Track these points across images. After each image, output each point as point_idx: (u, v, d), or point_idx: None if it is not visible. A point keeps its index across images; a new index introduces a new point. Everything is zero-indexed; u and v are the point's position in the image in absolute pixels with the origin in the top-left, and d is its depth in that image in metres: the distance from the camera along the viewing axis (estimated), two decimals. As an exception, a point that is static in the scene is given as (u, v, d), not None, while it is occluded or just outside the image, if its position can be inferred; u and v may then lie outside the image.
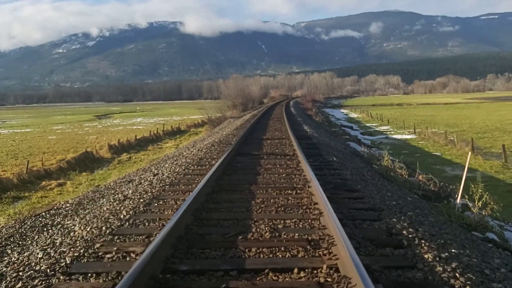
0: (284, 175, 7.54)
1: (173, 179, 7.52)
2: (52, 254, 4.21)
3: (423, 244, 4.17)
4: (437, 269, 3.60)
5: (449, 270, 3.59)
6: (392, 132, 34.81)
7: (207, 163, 9.15)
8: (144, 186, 7.37)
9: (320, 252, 3.91)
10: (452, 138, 26.95)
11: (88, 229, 4.93)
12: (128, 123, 59.37)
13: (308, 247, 4.02)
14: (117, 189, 8.38)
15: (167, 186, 6.85)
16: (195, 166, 8.82)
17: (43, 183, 17.46)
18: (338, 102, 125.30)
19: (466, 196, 8.46)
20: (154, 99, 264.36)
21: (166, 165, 9.87)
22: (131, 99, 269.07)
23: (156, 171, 9.20)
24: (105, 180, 16.81)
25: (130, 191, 7.13)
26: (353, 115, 64.81)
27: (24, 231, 6.56)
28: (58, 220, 6.85)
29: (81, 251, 4.08)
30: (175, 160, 10.27)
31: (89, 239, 4.49)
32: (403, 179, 9.44)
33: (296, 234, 4.40)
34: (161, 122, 57.60)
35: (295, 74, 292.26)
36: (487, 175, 16.54)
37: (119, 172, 19.29)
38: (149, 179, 8.26)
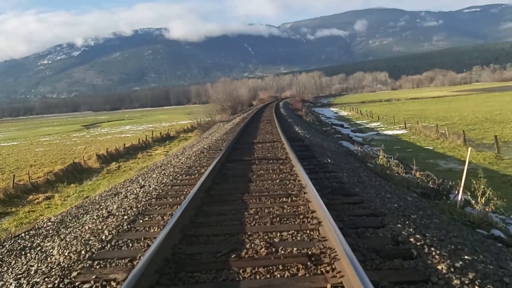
0: (277, 181, 7.13)
1: (160, 191, 7.06)
2: (24, 287, 3.77)
3: (433, 253, 3.81)
4: (454, 282, 3.24)
5: (467, 282, 3.23)
6: (383, 128, 34.65)
7: (196, 171, 8.69)
8: (130, 200, 6.92)
9: (322, 269, 3.53)
10: (443, 131, 26.86)
11: (66, 253, 4.48)
12: (116, 131, 58.58)
13: (308, 263, 3.64)
14: (102, 204, 7.93)
15: (153, 200, 6.40)
16: (184, 176, 8.34)
17: (31, 197, 16.89)
18: (327, 101, 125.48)
19: (468, 193, 8.14)
20: (142, 106, 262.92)
21: (154, 175, 9.40)
22: (119, 107, 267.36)
23: (143, 182, 8.74)
24: (94, 191, 16.29)
25: (115, 206, 6.68)
26: (343, 113, 64.73)
27: (1, 256, 6.08)
28: (38, 241, 6.39)
29: (56, 281, 3.64)
30: (163, 170, 9.84)
31: (66, 265, 4.04)
32: (400, 177, 9.14)
33: (295, 249, 4.00)
34: (150, 129, 56.93)
35: (283, 75, 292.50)
36: (480, 166, 16.33)
37: (108, 182, 18.76)
38: (135, 191, 7.79)
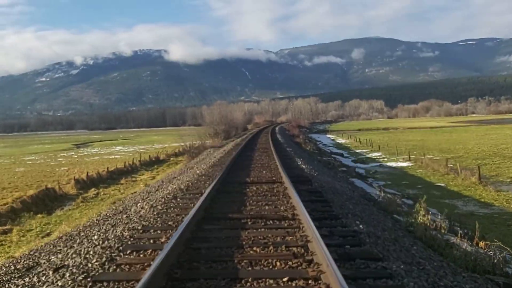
0: (286, 277, 3.94)
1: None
2: None
3: None
4: None
5: None
6: (385, 159, 32.73)
7: (150, 243, 5.38)
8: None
9: None
10: (452, 166, 24.99)
11: None
12: (106, 152, 56.33)
13: None
14: (46, 262, 5.77)
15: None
16: (127, 256, 4.83)
17: (-16, 230, 14.60)
18: (324, 127, 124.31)
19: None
20: (137, 126, 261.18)
21: (95, 236, 6.43)
22: (115, 126, 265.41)
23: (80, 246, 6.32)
24: (59, 225, 14.07)
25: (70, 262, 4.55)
26: (341, 140, 63.04)
27: None
28: None
29: None
30: (106, 233, 6.39)
31: None
32: (462, 251, 6.05)
33: None
34: (141, 150, 54.75)
35: (279, 99, 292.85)
36: (506, 211, 14.34)
37: (80, 213, 16.55)
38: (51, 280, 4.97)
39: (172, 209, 7.35)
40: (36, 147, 79.53)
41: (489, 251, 6.44)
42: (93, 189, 22.09)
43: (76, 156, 50.59)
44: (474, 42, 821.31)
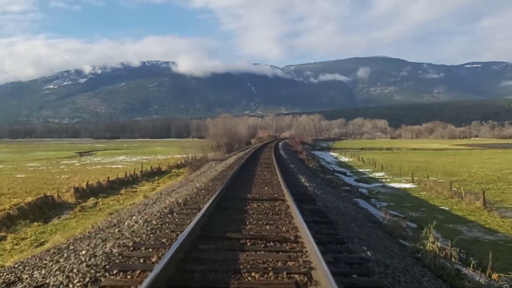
0: None
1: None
2: None
3: None
4: None
5: None
6: (388, 180, 32.40)
7: (140, 262, 5.06)
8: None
9: None
10: (456, 189, 24.65)
11: None
12: (108, 161, 56.28)
13: None
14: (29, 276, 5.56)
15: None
16: (112, 276, 4.51)
17: (-23, 237, 14.39)
18: (327, 145, 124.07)
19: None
20: (142, 136, 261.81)
21: (83, 251, 6.14)
22: (119, 136, 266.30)
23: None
24: (54, 235, 13.85)
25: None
26: (344, 158, 62.73)
27: None
28: None
29: None
30: (95, 248, 6.08)
31: None
32: (475, 283, 5.82)
33: None
34: (144, 161, 54.69)
35: (283, 115, 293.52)
36: (511, 238, 14.00)
37: (76, 222, 16.33)
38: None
39: (167, 224, 7.01)
40: (40, 154, 79.72)
41: (504, 285, 6.13)
42: (92, 199, 21.89)
43: (78, 164, 50.54)
44: (479, 66, 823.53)
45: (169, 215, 7.62)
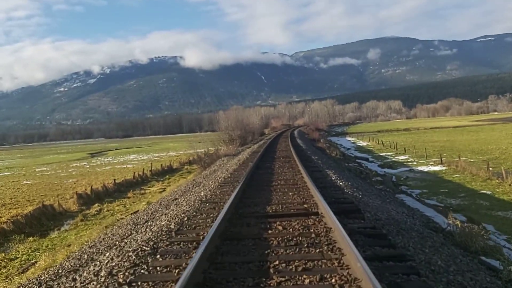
0: None
1: None
2: None
3: None
4: None
5: None
6: (414, 163, 30.10)
7: None
8: None
9: None
10: (492, 169, 22.34)
11: None
12: (119, 161, 54.94)
13: None
14: None
15: None
16: None
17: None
18: (342, 130, 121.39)
19: None
20: (154, 133, 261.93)
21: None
22: (131, 134, 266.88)
23: None
24: (48, 253, 12.15)
25: None
26: (362, 143, 60.31)
27: None
28: None
29: None
30: None
31: None
32: None
33: None
34: (155, 158, 53.23)
35: (295, 103, 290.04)
36: None
37: (76, 235, 14.63)
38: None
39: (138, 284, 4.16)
40: (51, 157, 79.06)
41: None
42: (96, 205, 20.23)
43: (88, 166, 49.27)
44: (493, 38, 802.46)
45: (149, 258, 4.92)
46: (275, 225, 6.07)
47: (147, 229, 7.18)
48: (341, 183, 10.00)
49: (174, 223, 6.64)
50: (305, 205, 7.26)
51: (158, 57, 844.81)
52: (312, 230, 5.58)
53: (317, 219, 6.22)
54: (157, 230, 6.31)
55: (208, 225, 6.28)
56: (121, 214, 17.10)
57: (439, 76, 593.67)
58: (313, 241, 5.11)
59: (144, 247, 5.33)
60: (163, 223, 7.05)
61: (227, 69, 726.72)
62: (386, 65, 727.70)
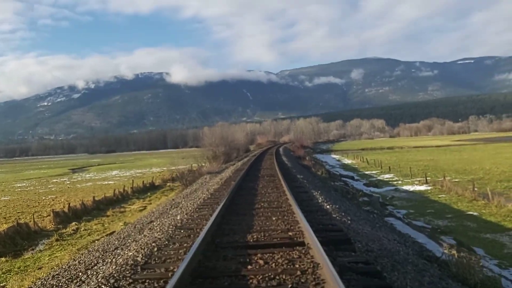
0: None
1: None
2: None
3: None
4: None
5: None
6: (400, 182, 30.07)
7: None
8: None
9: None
10: (477, 189, 22.36)
11: None
12: (100, 177, 53.72)
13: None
14: None
15: None
16: None
17: None
18: (327, 147, 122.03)
19: None
20: (138, 149, 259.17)
21: None
22: (115, 149, 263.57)
23: None
24: (19, 276, 11.42)
25: None
26: (347, 161, 60.42)
27: None
28: None
29: None
30: None
31: None
32: None
33: None
34: (138, 175, 52.25)
35: (281, 120, 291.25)
36: None
37: (49, 256, 13.87)
38: None
39: None
40: (32, 173, 77.11)
41: None
42: (74, 223, 19.41)
43: (68, 182, 48.00)
44: (472, 61, 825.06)
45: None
46: (255, 258, 5.43)
47: (113, 260, 6.53)
48: (328, 206, 9.46)
49: (143, 254, 5.95)
50: (290, 233, 6.66)
51: (144, 73, 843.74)
52: (297, 266, 4.98)
53: (303, 251, 5.62)
54: (122, 262, 5.64)
55: (179, 257, 5.62)
56: (98, 234, 16.40)
57: (421, 96, 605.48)
58: (298, 280, 4.45)
59: (103, 287, 4.67)
60: (130, 253, 6.41)
61: (213, 86, 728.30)
62: (369, 85, 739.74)
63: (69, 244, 15.48)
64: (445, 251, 8.00)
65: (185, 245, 6.30)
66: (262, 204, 9.88)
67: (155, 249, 6.16)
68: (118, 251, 7.56)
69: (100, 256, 7.58)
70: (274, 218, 8.00)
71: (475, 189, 22.40)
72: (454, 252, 7.35)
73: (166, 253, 5.96)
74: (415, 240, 9.47)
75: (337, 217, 8.30)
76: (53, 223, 19.22)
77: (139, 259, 5.51)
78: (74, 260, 8.53)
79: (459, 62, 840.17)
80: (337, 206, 9.95)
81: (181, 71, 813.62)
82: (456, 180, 28.41)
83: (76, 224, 19.18)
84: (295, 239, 6.31)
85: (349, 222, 8.30)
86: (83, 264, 7.45)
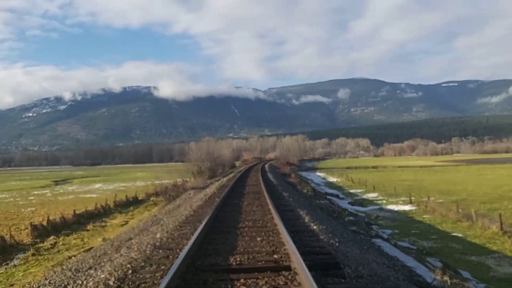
0: None
1: None
2: None
3: None
4: None
5: None
6: (384, 202, 30.13)
7: None
8: None
9: None
10: (461, 210, 22.48)
11: None
12: (83, 190, 52.71)
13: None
14: None
15: None
16: None
17: None
18: (312, 165, 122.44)
19: None
20: (124, 162, 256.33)
21: None
22: (100, 162, 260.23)
23: None
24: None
25: None
26: (332, 179, 60.56)
27: None
28: None
29: None
30: None
31: None
32: None
33: None
34: (122, 188, 51.43)
35: (267, 136, 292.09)
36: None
37: (24, 272, 13.37)
38: None
39: None
40: (13, 184, 75.33)
41: None
42: (52, 237, 18.82)
43: (50, 195, 46.95)
44: (456, 84, 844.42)
45: None
46: (238, 283, 5.07)
47: (84, 282, 6.21)
48: (315, 227, 9.27)
49: (115, 277, 5.59)
50: (275, 256, 6.26)
51: (132, 86, 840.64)
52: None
53: (290, 277, 5.25)
54: (92, 286, 5.34)
55: (155, 281, 5.18)
56: (76, 249, 15.91)
57: (405, 117, 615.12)
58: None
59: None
60: (103, 275, 6.01)
61: (201, 101, 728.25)
62: (355, 105, 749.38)
63: (45, 260, 14.97)
64: (437, 277, 7.87)
65: (162, 267, 5.94)
66: (246, 223, 9.57)
67: (130, 271, 5.80)
68: (91, 271, 7.16)
69: (72, 277, 7.21)
70: (258, 239, 7.68)
71: (460, 210, 22.52)
72: (446, 278, 7.23)
73: (141, 276, 5.60)
74: (404, 264, 9.32)
75: (325, 239, 7.98)
76: (31, 237, 18.63)
77: (111, 282, 5.20)
78: (46, 279, 8.12)
79: (444, 84, 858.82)
80: (324, 227, 9.71)
81: (169, 85, 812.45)
82: (440, 200, 28.57)
83: (54, 238, 18.61)
84: (281, 262, 6.00)
85: (337, 244, 8.01)
86: (53, 285, 7.08)
